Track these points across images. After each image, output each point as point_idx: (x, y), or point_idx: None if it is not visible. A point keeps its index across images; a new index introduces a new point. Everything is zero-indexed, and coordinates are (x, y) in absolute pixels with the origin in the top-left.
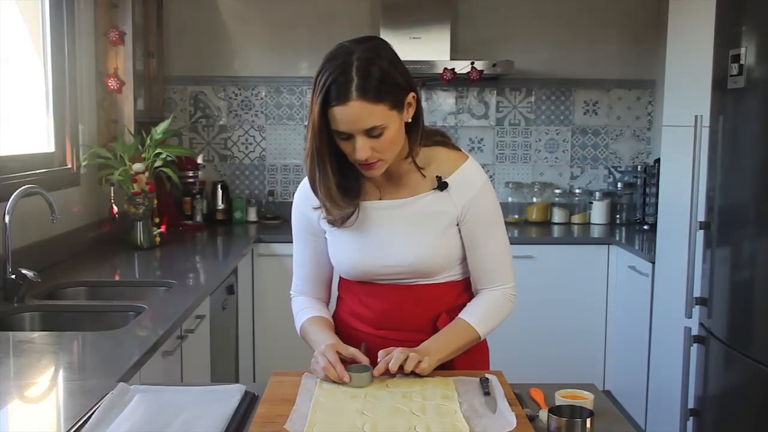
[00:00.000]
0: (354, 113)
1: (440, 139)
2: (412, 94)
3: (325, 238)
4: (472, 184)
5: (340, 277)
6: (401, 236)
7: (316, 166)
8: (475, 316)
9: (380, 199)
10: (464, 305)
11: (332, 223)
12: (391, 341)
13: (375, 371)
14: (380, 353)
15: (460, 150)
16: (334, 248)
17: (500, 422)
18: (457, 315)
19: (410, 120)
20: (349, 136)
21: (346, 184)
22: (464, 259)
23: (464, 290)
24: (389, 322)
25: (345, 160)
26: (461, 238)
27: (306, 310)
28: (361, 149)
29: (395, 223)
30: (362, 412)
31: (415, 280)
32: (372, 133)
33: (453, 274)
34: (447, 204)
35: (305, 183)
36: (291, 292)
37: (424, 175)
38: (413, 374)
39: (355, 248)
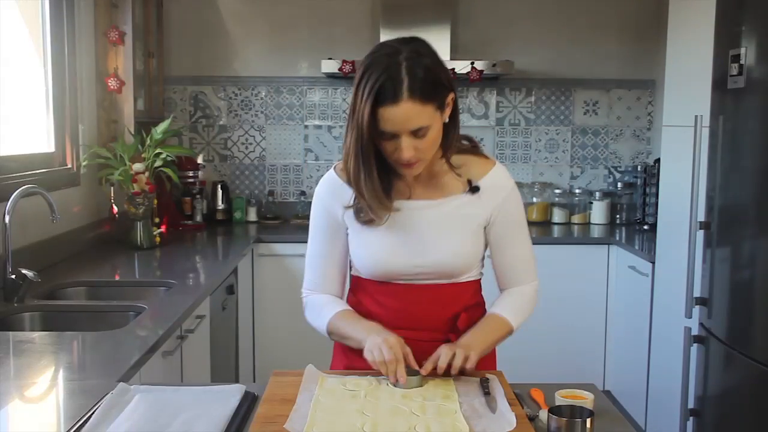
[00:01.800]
0: (405, 113)
1: (468, 144)
2: (452, 94)
3: (347, 236)
4: (502, 188)
5: (353, 277)
6: (430, 237)
7: (361, 165)
8: (509, 310)
9: (409, 199)
10: (478, 304)
11: (367, 222)
12: (407, 341)
13: (423, 370)
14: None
15: (488, 156)
16: (360, 246)
17: (500, 422)
18: (474, 313)
19: (447, 120)
20: (394, 136)
21: (382, 183)
22: (482, 260)
23: (478, 290)
24: (405, 321)
25: (382, 158)
26: (486, 239)
27: (331, 304)
28: (407, 149)
29: (424, 223)
30: (362, 411)
31: (436, 280)
32: (418, 133)
33: (472, 275)
34: (477, 207)
35: (332, 179)
36: (304, 290)
37: (458, 175)
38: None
39: (382, 247)
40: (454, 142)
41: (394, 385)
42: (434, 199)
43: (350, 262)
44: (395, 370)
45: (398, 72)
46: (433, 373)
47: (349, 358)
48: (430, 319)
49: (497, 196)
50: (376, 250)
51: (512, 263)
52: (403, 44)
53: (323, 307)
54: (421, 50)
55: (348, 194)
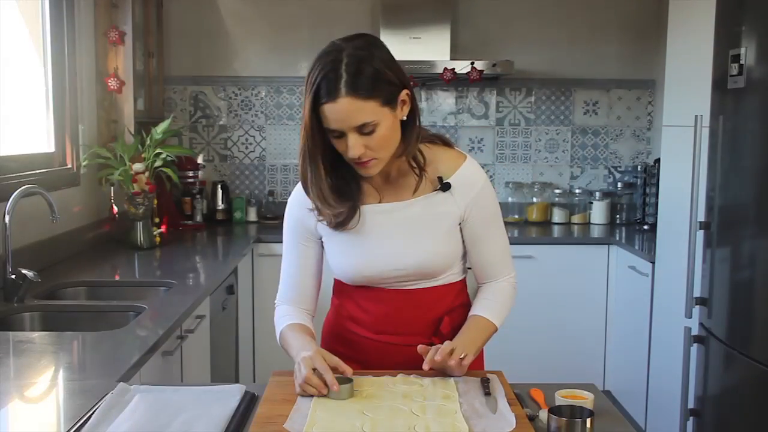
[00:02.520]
0: (343, 110)
1: (439, 141)
2: (405, 91)
3: (320, 245)
4: (474, 184)
5: (336, 282)
6: (405, 239)
7: (308, 165)
8: (490, 311)
9: (380, 202)
10: (462, 305)
11: (329, 225)
12: (391, 345)
13: (425, 365)
14: (420, 348)
15: (458, 151)
16: (336, 253)
17: (500, 423)
18: (456, 316)
19: (405, 118)
20: (342, 134)
21: (342, 185)
22: (463, 258)
23: (461, 290)
24: (389, 326)
25: (341, 160)
26: (462, 236)
27: (288, 317)
28: (353, 147)
29: (398, 225)
30: (362, 411)
31: (418, 282)
32: (363, 130)
33: (452, 274)
34: (450, 204)
35: (300, 187)
36: (276, 301)
37: (424, 174)
38: (441, 374)
39: (357, 253)
40: (415, 140)
41: (328, 396)
42: (405, 200)
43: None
44: (319, 384)
45: (338, 68)
46: (432, 372)
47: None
48: (413, 324)
49: (469, 193)
50: (353, 257)
51: (489, 259)
52: (348, 41)
53: (279, 320)
54: (366, 46)
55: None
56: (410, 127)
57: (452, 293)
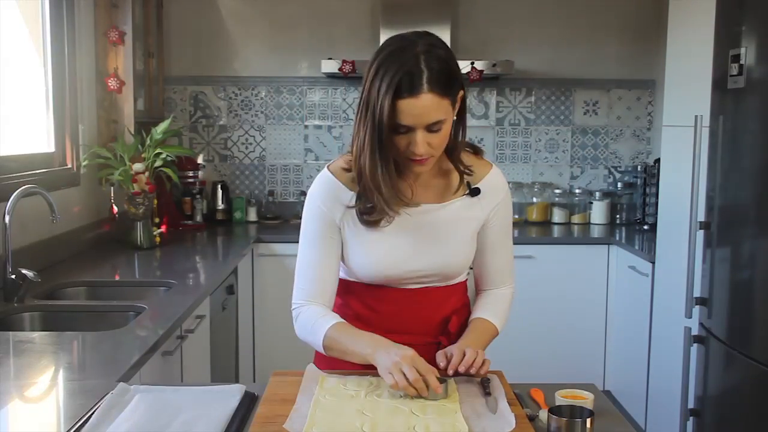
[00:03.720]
0: (424, 106)
1: (469, 148)
2: (461, 91)
3: (340, 244)
4: (500, 191)
5: (341, 281)
6: (431, 241)
7: (378, 159)
8: (494, 315)
9: (411, 201)
10: (465, 305)
11: (371, 223)
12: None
13: (450, 369)
14: (438, 355)
15: (485, 160)
16: (360, 252)
17: (500, 423)
18: (462, 315)
19: (455, 118)
20: (409, 130)
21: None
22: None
23: (464, 291)
24: (396, 325)
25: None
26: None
27: (328, 316)
28: (421, 144)
29: (425, 227)
30: (362, 411)
31: (430, 282)
32: (433, 127)
33: (462, 277)
34: (476, 210)
35: (329, 179)
36: (295, 301)
37: (468, 174)
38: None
39: (384, 252)
40: (462, 141)
41: (419, 397)
42: (436, 202)
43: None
44: (423, 387)
45: (417, 64)
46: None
47: (331, 360)
48: (420, 323)
49: (495, 199)
50: (379, 255)
51: (498, 267)
52: (417, 37)
53: (317, 320)
54: (437, 43)
55: (347, 196)
56: (459, 127)
57: (458, 293)
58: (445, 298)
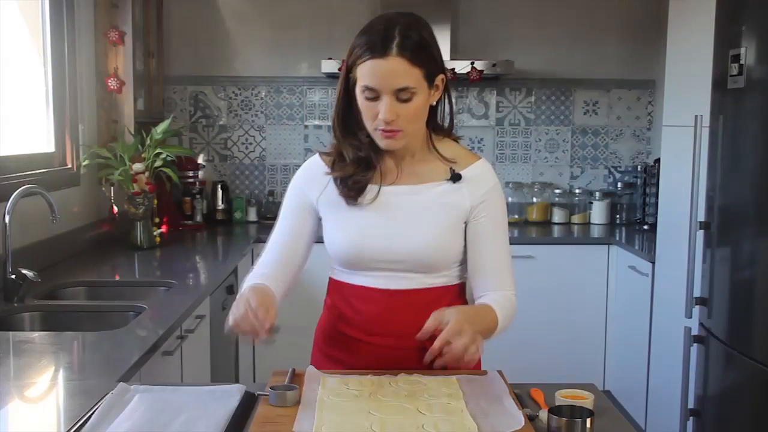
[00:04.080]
0: (391, 68)
1: (455, 137)
2: (442, 75)
3: (316, 223)
4: (486, 181)
5: (331, 279)
6: (407, 223)
7: (346, 123)
8: (498, 306)
9: (393, 183)
10: None
11: (351, 195)
12: (383, 348)
13: (426, 356)
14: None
15: (474, 152)
16: (334, 229)
17: (508, 420)
18: None
19: (435, 103)
20: (376, 96)
21: (369, 157)
22: (462, 263)
23: (458, 296)
24: (380, 327)
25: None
26: (465, 237)
27: (255, 278)
28: (388, 110)
29: (403, 208)
30: (368, 411)
31: (411, 274)
32: (401, 95)
33: (448, 276)
34: (459, 197)
35: (314, 162)
36: (255, 266)
37: (446, 161)
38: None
39: (357, 230)
40: (441, 127)
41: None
42: (415, 184)
43: (330, 260)
44: (252, 324)
45: (391, 30)
46: (433, 371)
47: (327, 359)
48: (405, 326)
49: (479, 189)
50: (352, 233)
51: (490, 266)
52: (401, 15)
53: (248, 280)
54: (419, 21)
55: (327, 181)
56: (438, 112)
57: (448, 297)
58: (430, 301)
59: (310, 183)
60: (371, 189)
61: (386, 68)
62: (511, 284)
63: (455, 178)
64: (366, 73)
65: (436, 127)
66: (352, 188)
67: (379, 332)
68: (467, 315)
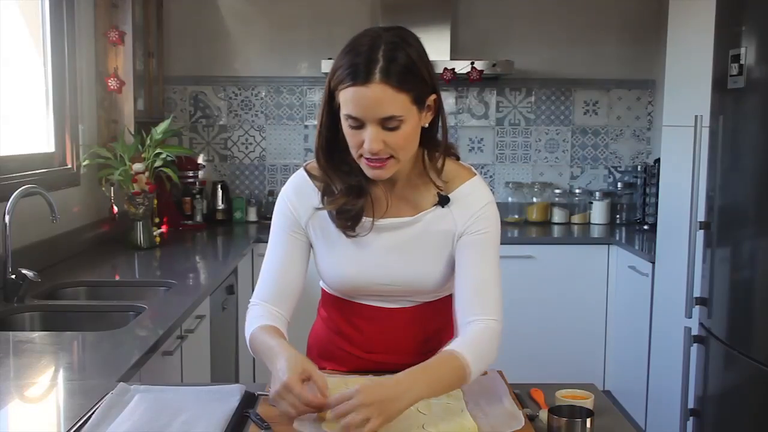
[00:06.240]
0: (374, 97)
1: (450, 151)
2: (434, 96)
3: (308, 245)
4: (476, 202)
5: (324, 293)
6: (402, 256)
7: (329, 153)
8: (472, 352)
9: (384, 215)
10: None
11: (345, 225)
12: (382, 365)
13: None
14: (333, 400)
15: (468, 167)
16: (327, 258)
17: (509, 420)
18: (450, 333)
19: (427, 126)
20: (361, 125)
21: (357, 188)
22: None
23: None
24: (381, 345)
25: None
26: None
27: (262, 318)
28: (374, 140)
29: (396, 241)
30: None
31: (407, 298)
32: (388, 124)
33: (445, 291)
34: (448, 221)
35: (301, 178)
36: (253, 298)
37: (435, 184)
38: None
39: (351, 264)
40: (437, 152)
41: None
42: (406, 217)
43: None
44: (305, 409)
45: (374, 53)
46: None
47: (326, 362)
48: (405, 343)
49: (468, 210)
50: (345, 266)
51: (470, 287)
52: (386, 30)
53: (254, 319)
54: (406, 38)
55: (317, 197)
56: (432, 135)
57: (446, 309)
58: (429, 316)
59: (298, 205)
60: (365, 222)
61: (369, 97)
62: (494, 311)
63: (443, 201)
64: (348, 100)
65: (431, 146)
66: (348, 219)
67: (379, 350)
68: (380, 394)
